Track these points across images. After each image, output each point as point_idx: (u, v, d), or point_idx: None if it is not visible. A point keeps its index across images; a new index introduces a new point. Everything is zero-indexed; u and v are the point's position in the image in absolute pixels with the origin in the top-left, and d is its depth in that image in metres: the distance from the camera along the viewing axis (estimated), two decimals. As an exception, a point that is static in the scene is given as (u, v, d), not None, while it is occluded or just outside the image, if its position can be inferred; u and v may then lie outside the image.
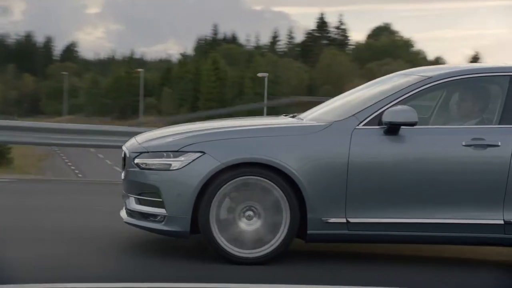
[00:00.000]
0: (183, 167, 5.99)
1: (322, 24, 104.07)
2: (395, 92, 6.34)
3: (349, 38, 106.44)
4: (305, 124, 6.46)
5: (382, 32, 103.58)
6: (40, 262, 5.95)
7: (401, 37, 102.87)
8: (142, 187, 6.20)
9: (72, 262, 6.02)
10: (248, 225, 6.05)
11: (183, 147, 6.06)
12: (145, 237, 6.88)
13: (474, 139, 6.17)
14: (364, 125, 6.17)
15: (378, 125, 6.15)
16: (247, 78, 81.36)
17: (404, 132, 6.12)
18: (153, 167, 6.12)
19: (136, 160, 6.24)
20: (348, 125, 6.17)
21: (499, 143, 6.16)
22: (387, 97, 6.31)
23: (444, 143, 6.21)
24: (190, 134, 6.29)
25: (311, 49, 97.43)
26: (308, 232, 6.05)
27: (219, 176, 5.94)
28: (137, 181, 6.24)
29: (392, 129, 6.10)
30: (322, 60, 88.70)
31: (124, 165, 6.62)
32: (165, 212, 6.02)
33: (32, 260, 6.03)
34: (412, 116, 6.03)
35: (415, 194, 6.13)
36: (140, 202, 6.25)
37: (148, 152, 6.21)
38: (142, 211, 6.22)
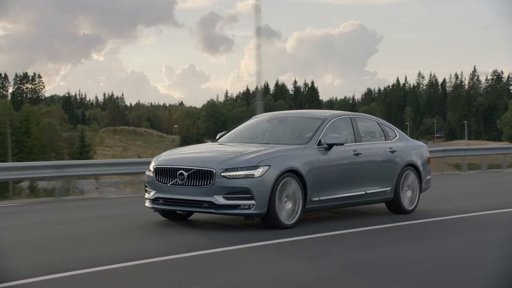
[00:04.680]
0: (262, 175, 8.63)
1: None
2: (319, 127, 9.82)
3: None
4: (296, 146, 9.43)
5: None
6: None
7: None
8: (231, 189, 8.53)
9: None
10: (286, 205, 8.94)
11: (258, 163, 8.67)
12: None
13: (354, 150, 10.14)
14: (317, 145, 9.58)
15: (319, 145, 9.61)
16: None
17: (333, 148, 9.72)
18: (240, 176, 8.56)
19: (223, 174, 8.55)
20: (313, 145, 9.51)
21: (361, 152, 10.25)
22: (317, 130, 9.75)
23: (346, 153, 9.99)
24: (256, 154, 8.86)
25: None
26: (306, 207, 9.21)
27: (278, 178, 8.75)
28: (225, 186, 8.53)
29: (330, 147, 9.66)
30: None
31: (167, 176, 8.87)
32: (254, 202, 8.55)
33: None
34: (342, 139, 9.71)
35: (343, 180, 9.80)
36: (228, 198, 8.53)
37: (233, 167, 8.57)
38: (232, 204, 8.55)
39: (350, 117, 10.62)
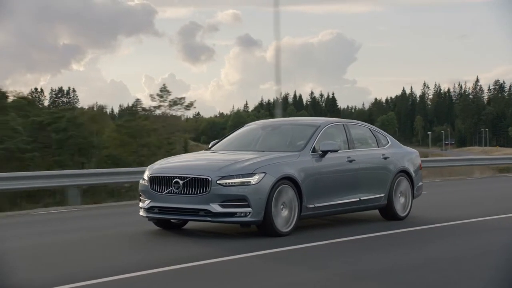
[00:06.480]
0: (258, 182, 8.25)
1: None
2: (313, 134, 9.41)
3: None
4: (291, 153, 9.04)
5: None
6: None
7: None
8: (227, 197, 8.15)
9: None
10: (283, 213, 8.56)
11: (254, 170, 8.31)
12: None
13: (348, 157, 9.70)
14: (311, 152, 9.20)
15: (313, 152, 9.22)
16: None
17: (327, 155, 9.31)
18: (236, 184, 8.18)
19: (219, 181, 8.18)
20: (307, 152, 9.12)
21: (355, 159, 9.85)
22: (311, 137, 9.35)
23: (340, 160, 9.56)
24: (252, 162, 8.47)
25: None
26: (302, 214, 8.80)
27: (274, 185, 8.38)
28: (221, 194, 8.15)
29: (324, 154, 9.27)
30: None
31: (164, 185, 8.49)
32: (251, 209, 8.15)
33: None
34: (336, 146, 9.31)
35: (337, 186, 9.36)
36: (224, 206, 8.15)
37: (229, 175, 8.23)
38: (229, 212, 8.17)
39: (343, 124, 10.21)
